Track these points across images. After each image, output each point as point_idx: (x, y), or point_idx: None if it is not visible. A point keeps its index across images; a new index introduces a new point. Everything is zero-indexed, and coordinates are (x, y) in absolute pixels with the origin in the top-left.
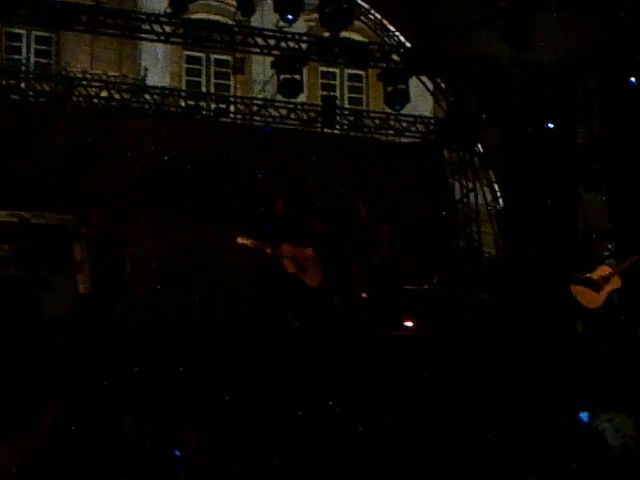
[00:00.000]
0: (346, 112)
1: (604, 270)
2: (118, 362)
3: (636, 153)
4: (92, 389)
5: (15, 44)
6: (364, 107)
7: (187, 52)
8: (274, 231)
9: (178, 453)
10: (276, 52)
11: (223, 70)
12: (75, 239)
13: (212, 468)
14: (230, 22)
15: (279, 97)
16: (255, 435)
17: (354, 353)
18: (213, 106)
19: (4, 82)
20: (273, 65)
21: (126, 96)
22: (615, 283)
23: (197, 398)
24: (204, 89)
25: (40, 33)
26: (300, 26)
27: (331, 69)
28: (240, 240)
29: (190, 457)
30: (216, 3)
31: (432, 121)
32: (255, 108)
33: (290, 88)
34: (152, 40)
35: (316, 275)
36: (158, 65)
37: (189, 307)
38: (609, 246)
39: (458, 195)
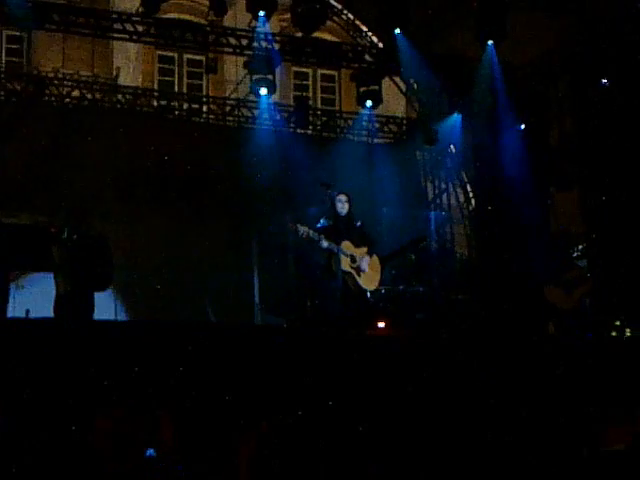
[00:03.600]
0: (319, 112)
1: (576, 272)
2: (93, 359)
3: (608, 154)
4: (66, 386)
5: None
6: (337, 107)
7: (159, 52)
8: (337, 228)
9: (152, 452)
10: (249, 52)
11: (196, 70)
12: (53, 240)
13: (189, 468)
14: (202, 22)
15: (252, 97)
16: (233, 435)
17: (327, 353)
18: (185, 106)
19: None
20: (246, 65)
21: (98, 96)
22: (587, 285)
23: (175, 395)
24: (177, 89)
25: (11, 32)
26: (273, 26)
27: (304, 69)
28: (296, 228)
29: (166, 457)
30: (188, 3)
31: (404, 122)
32: (228, 108)
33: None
34: (124, 39)
35: (372, 278)
36: (130, 65)
37: (163, 304)
38: (580, 247)
39: (431, 196)
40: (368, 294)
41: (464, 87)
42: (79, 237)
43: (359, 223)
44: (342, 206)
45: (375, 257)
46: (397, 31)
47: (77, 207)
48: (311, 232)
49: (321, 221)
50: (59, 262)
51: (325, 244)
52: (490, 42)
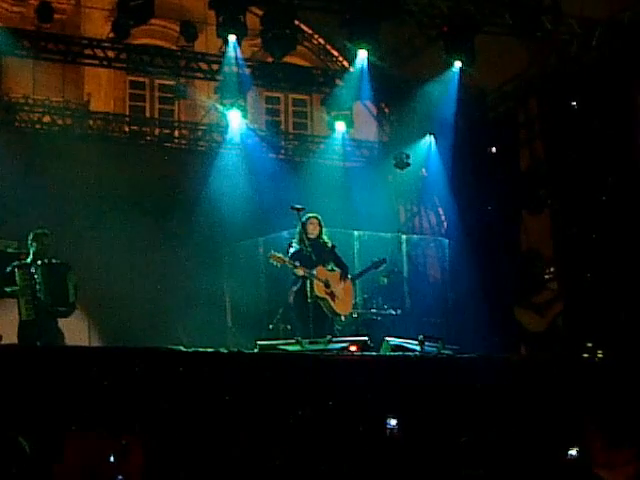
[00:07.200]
0: (290, 136)
1: (547, 294)
2: (60, 384)
3: (578, 176)
4: (33, 412)
5: None
6: (308, 131)
7: (131, 77)
8: (309, 252)
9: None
10: (219, 77)
11: (167, 95)
12: (17, 265)
13: None
14: (173, 47)
15: (223, 122)
16: (208, 462)
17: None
18: (157, 131)
19: None
20: (217, 90)
21: (69, 121)
22: (558, 307)
23: (145, 421)
24: (148, 114)
25: None
26: (244, 51)
27: (275, 94)
28: (272, 258)
29: None
30: (159, 28)
31: (376, 145)
32: (199, 133)
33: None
34: (95, 65)
35: (346, 303)
36: (101, 90)
37: (135, 328)
38: (551, 269)
39: (403, 219)
40: (342, 318)
41: (435, 110)
42: (43, 263)
43: (331, 245)
44: (313, 229)
45: (348, 281)
46: (367, 55)
47: (43, 232)
48: (287, 260)
49: (293, 245)
50: (21, 287)
51: (300, 272)
52: (456, 65)
